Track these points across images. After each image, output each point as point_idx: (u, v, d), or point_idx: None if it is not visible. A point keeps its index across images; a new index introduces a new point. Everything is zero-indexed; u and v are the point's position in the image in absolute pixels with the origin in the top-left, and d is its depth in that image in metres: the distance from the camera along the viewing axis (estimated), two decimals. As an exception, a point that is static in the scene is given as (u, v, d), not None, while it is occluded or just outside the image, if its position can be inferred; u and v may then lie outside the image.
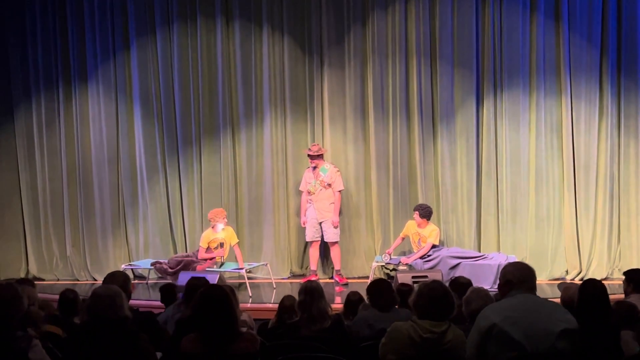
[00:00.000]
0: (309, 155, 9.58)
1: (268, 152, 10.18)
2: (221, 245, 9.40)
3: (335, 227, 9.59)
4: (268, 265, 9.76)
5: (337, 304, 7.74)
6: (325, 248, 9.88)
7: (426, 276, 7.49)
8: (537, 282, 3.96)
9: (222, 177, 10.30)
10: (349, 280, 9.73)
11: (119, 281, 4.85)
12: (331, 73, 10.09)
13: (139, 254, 10.43)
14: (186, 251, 10.11)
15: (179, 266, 9.21)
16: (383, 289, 5.41)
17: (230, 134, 10.29)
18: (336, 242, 9.66)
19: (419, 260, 9.13)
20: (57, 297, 5.60)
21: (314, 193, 9.59)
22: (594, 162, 9.62)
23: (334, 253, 9.69)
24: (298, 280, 9.68)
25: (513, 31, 9.66)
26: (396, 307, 5.51)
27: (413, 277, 7.79)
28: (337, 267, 9.71)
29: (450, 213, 9.94)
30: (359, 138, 10.10)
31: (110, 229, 10.55)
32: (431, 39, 9.88)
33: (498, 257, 9.14)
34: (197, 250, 9.53)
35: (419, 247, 9.32)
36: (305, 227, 9.76)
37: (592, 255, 9.67)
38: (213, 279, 7.87)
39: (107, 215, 10.53)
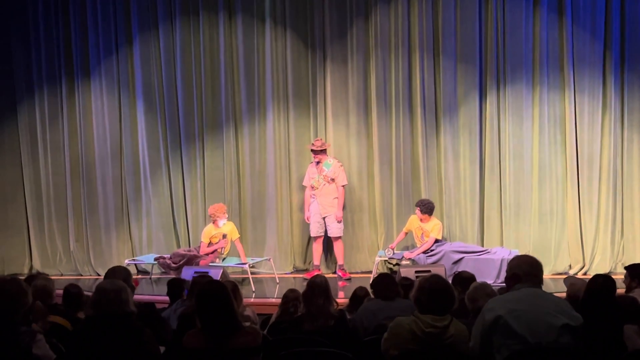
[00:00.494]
0: (312, 150, 9.57)
1: (271, 147, 10.18)
2: (223, 236, 9.40)
3: (339, 222, 9.59)
4: (271, 260, 9.76)
5: (340, 299, 7.75)
6: (328, 243, 9.88)
7: (429, 271, 7.49)
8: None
9: (225, 172, 10.31)
10: (352, 275, 9.74)
11: (120, 276, 4.86)
12: (334, 68, 10.08)
13: (142, 249, 10.44)
14: (189, 246, 10.12)
15: (182, 261, 9.22)
16: (387, 283, 5.42)
17: (233, 129, 10.29)
18: (339, 237, 9.66)
19: (422, 255, 9.13)
20: (60, 291, 5.62)
21: (317, 188, 9.58)
22: (597, 156, 9.61)
23: (337, 248, 9.69)
24: (301, 275, 9.72)
25: (516, 25, 9.64)
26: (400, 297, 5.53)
27: (416, 271, 7.79)
28: (340, 262, 9.72)
29: (453, 208, 9.93)
30: (361, 133, 10.10)
31: (114, 224, 10.57)
32: (434, 34, 9.87)
33: (501, 251, 9.15)
34: (199, 246, 9.55)
35: (422, 241, 9.32)
36: (309, 222, 9.76)
37: (595, 249, 9.67)
38: (216, 274, 7.93)
39: (110, 210, 10.54)
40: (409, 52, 9.89)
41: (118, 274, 4.95)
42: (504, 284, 5.74)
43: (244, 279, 9.36)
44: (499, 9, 9.68)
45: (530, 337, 3.63)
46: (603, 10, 9.50)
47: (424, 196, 9.77)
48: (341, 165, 9.69)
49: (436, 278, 4.14)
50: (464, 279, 5.85)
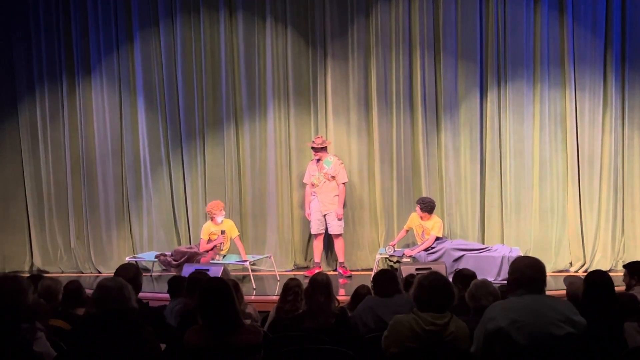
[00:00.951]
0: (312, 147, 9.57)
1: (271, 144, 10.18)
2: (222, 232, 9.40)
3: (340, 220, 9.59)
4: (272, 257, 9.77)
5: (341, 297, 7.75)
6: (329, 240, 9.88)
7: (430, 268, 7.48)
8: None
9: (226, 170, 10.31)
10: (353, 273, 9.75)
11: (130, 273, 4.88)
12: (334, 65, 10.08)
13: (143, 247, 10.45)
14: (190, 243, 10.13)
15: (183, 258, 9.22)
16: (388, 279, 5.41)
17: (233, 126, 10.29)
18: (340, 235, 9.66)
19: (423, 253, 9.13)
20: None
21: (317, 185, 9.58)
22: (598, 154, 9.61)
23: (338, 245, 9.69)
24: (302, 273, 9.71)
25: (517, 23, 9.63)
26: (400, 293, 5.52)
27: (417, 269, 7.77)
28: (341, 259, 9.72)
29: (454, 205, 9.93)
30: (362, 130, 10.10)
31: (114, 222, 10.57)
32: (435, 31, 9.86)
33: (502, 249, 9.15)
34: (197, 245, 9.55)
35: (423, 239, 9.32)
36: (309, 219, 9.76)
37: (596, 247, 9.67)
38: (217, 272, 7.92)
39: (111, 207, 10.55)
40: (409, 50, 9.89)
41: (129, 271, 4.97)
42: (505, 282, 5.74)
43: (244, 277, 9.37)
44: (500, 7, 9.68)
45: (533, 348, 3.65)
46: (604, 8, 9.49)
47: (424, 194, 9.77)
48: (341, 163, 9.70)
49: (435, 275, 4.14)
50: (465, 277, 5.85)
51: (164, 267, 9.68)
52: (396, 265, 9.35)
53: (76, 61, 10.48)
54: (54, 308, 5.13)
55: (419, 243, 9.39)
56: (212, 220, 9.45)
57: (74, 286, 5.48)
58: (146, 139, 10.38)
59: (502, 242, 9.69)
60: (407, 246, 9.65)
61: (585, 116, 9.61)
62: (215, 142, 10.34)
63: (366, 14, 9.99)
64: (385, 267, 9.81)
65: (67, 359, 4.02)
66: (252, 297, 8.47)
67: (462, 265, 8.58)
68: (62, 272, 10.44)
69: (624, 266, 6.08)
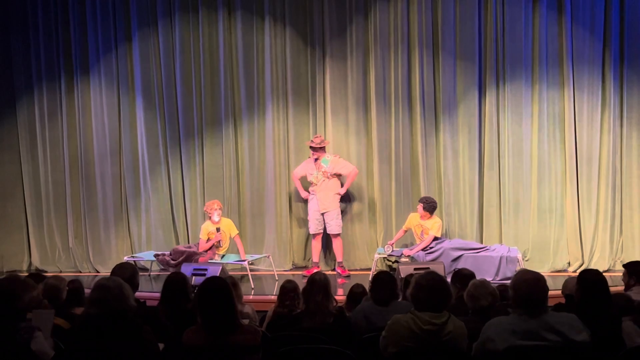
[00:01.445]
0: (311, 147, 9.57)
1: (270, 144, 10.18)
2: (217, 230, 9.39)
3: (340, 195, 9.58)
4: (270, 257, 9.77)
5: (339, 296, 7.76)
6: (327, 240, 9.89)
7: (428, 268, 7.48)
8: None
9: (224, 169, 10.31)
10: (351, 272, 9.74)
11: (127, 273, 4.87)
12: (333, 65, 10.08)
13: (142, 246, 10.45)
14: (188, 243, 10.12)
15: (182, 258, 9.22)
16: (385, 282, 5.36)
17: (232, 126, 10.29)
18: (338, 234, 9.66)
19: (421, 252, 9.13)
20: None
21: (316, 184, 9.58)
22: (596, 154, 9.62)
23: (336, 245, 9.69)
24: (300, 272, 9.72)
25: (515, 23, 9.64)
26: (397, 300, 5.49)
27: (415, 268, 7.77)
28: (339, 259, 9.72)
29: (452, 205, 9.94)
30: (361, 130, 10.10)
31: (113, 221, 10.57)
32: (433, 31, 9.87)
33: (500, 249, 9.15)
34: (196, 244, 9.55)
35: (422, 239, 9.32)
36: (307, 207, 9.77)
37: (594, 247, 9.68)
38: (215, 271, 7.93)
39: (109, 207, 10.55)
40: (408, 50, 9.89)
41: (126, 270, 4.96)
42: (503, 282, 5.74)
43: (242, 276, 9.37)
44: (499, 7, 9.68)
45: None
46: (602, 8, 9.50)
47: (423, 193, 9.77)
48: (339, 157, 9.68)
49: (432, 275, 4.13)
50: (464, 276, 5.83)
51: (162, 267, 9.68)
52: (395, 265, 9.36)
53: (75, 60, 10.48)
54: (57, 307, 5.12)
55: (417, 243, 9.38)
56: (209, 219, 9.45)
57: (75, 286, 5.48)
58: (144, 139, 10.38)
59: (501, 241, 9.69)
60: (406, 246, 9.64)
61: (584, 116, 9.62)
62: (214, 142, 10.34)
63: (365, 14, 9.99)
64: (384, 266, 9.83)
65: (65, 359, 4.02)
66: (251, 297, 8.48)
67: (460, 265, 8.58)
68: (61, 272, 10.42)
69: (624, 266, 6.08)
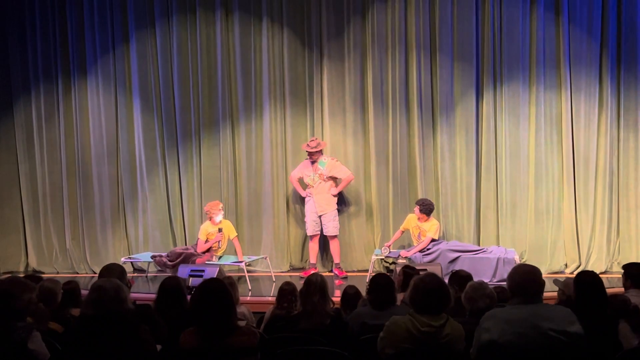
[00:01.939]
0: (307, 151, 9.56)
1: (267, 145, 10.18)
2: (219, 230, 9.38)
3: (334, 196, 9.58)
4: (267, 258, 9.77)
5: (337, 298, 7.73)
6: (324, 241, 9.89)
7: (425, 269, 7.48)
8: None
9: (222, 171, 10.30)
10: (349, 274, 9.74)
11: (115, 274, 4.85)
12: (331, 66, 10.08)
13: (139, 247, 10.43)
14: (185, 244, 10.12)
15: (179, 259, 9.21)
16: (382, 285, 5.32)
17: (229, 127, 10.28)
18: (335, 236, 9.66)
19: (419, 254, 9.14)
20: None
21: (312, 186, 9.58)
22: (593, 155, 9.63)
23: (334, 246, 9.69)
24: (297, 274, 9.71)
25: (513, 24, 9.65)
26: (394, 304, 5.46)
27: (413, 268, 7.77)
28: (336, 260, 9.72)
29: (449, 206, 9.94)
30: (358, 131, 10.10)
31: (110, 222, 10.56)
32: (431, 32, 9.87)
33: (497, 250, 9.16)
34: (197, 243, 9.54)
35: (419, 240, 9.32)
36: (304, 209, 9.77)
37: (591, 248, 9.69)
38: (213, 272, 7.92)
39: (106, 208, 10.54)
40: (405, 51, 9.90)
41: (113, 271, 4.94)
42: (500, 283, 5.73)
43: (240, 278, 9.35)
44: (496, 8, 9.69)
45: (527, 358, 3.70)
46: (599, 9, 9.51)
47: (420, 195, 9.78)
48: (337, 160, 9.68)
49: (431, 278, 4.13)
50: (461, 278, 5.84)
51: (159, 268, 9.66)
52: (392, 267, 9.36)
53: (72, 61, 10.47)
54: (51, 310, 5.12)
55: (414, 244, 9.38)
56: (210, 220, 9.45)
57: (71, 286, 5.47)
58: (142, 140, 10.37)
59: (498, 243, 9.70)
60: (403, 247, 9.65)
61: (581, 118, 9.63)
62: (211, 143, 10.33)
63: (362, 15, 9.99)
64: (381, 268, 9.83)
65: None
66: (248, 298, 8.47)
67: (457, 266, 8.59)
68: (58, 273, 10.42)
69: (623, 267, 6.08)
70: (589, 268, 9.23)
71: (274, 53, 10.14)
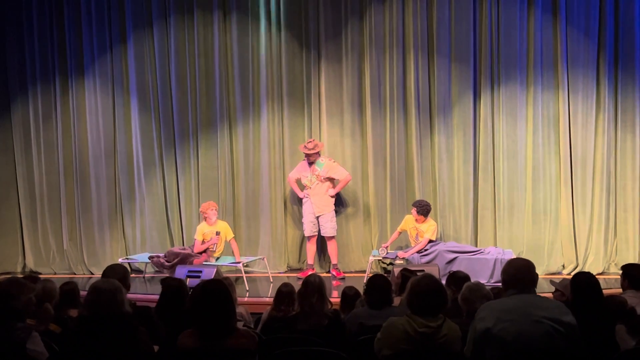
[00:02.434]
0: (304, 153, 9.56)
1: (265, 146, 10.18)
2: (217, 233, 9.37)
3: (332, 197, 9.58)
4: (265, 259, 9.76)
5: (334, 298, 7.73)
6: (322, 242, 9.88)
7: (423, 270, 7.49)
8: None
9: (219, 171, 10.30)
10: (346, 275, 9.74)
11: (118, 274, 4.85)
12: (328, 67, 10.08)
13: (136, 248, 10.42)
14: (183, 244, 10.11)
15: (176, 260, 9.20)
16: (379, 286, 5.33)
17: (227, 127, 10.28)
18: (333, 237, 9.66)
19: (416, 255, 9.14)
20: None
21: (310, 187, 9.58)
22: (590, 156, 9.64)
23: (331, 247, 9.69)
24: (295, 274, 9.71)
25: (510, 25, 9.65)
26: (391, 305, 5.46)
27: (411, 270, 7.78)
28: (334, 261, 9.72)
29: (447, 207, 9.94)
30: (356, 132, 10.10)
31: (107, 223, 10.55)
32: (428, 33, 9.88)
33: (495, 251, 9.17)
34: (191, 246, 9.54)
35: (417, 242, 9.33)
36: (302, 210, 9.77)
37: (588, 249, 9.70)
38: (210, 273, 7.92)
39: (103, 209, 10.52)
40: (403, 52, 9.90)
41: (117, 272, 4.94)
42: (498, 284, 5.74)
43: (237, 278, 9.35)
44: (494, 9, 9.70)
45: (521, 347, 3.69)
46: (597, 11, 9.53)
47: (418, 196, 9.78)
48: (334, 161, 9.69)
49: (428, 279, 4.13)
50: (459, 279, 5.84)
51: (157, 269, 9.66)
52: (389, 268, 9.36)
53: (69, 62, 10.45)
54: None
55: (412, 245, 9.39)
56: (205, 220, 9.45)
57: (70, 287, 5.46)
58: (139, 140, 10.36)
59: (495, 244, 9.71)
60: (400, 248, 9.66)
61: (578, 119, 9.64)
62: (209, 144, 10.33)
63: (360, 16, 10.00)
64: (379, 269, 9.84)
65: (59, 360, 4.02)
66: (245, 299, 8.46)
67: (455, 267, 8.60)
68: (55, 274, 10.42)
69: (622, 268, 6.08)
70: (586, 269, 9.25)
71: (271, 54, 10.14)
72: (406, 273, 6.25)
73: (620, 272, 6.03)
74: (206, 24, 10.22)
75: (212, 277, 7.61)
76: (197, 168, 10.38)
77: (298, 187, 9.79)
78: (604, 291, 4.99)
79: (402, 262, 9.16)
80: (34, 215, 10.70)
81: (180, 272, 8.36)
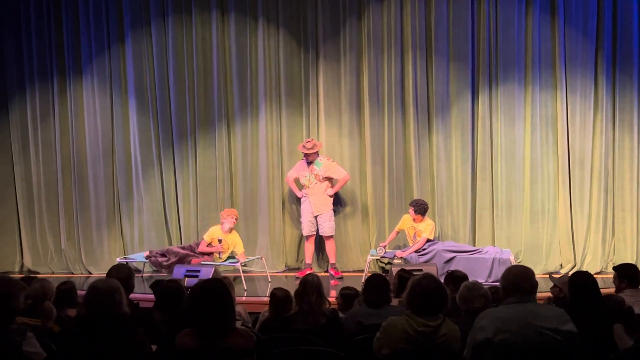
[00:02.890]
0: (303, 152, 9.56)
1: (263, 145, 10.17)
2: (219, 241, 9.34)
3: (330, 197, 9.58)
4: (263, 258, 9.75)
5: (332, 298, 7.74)
6: (320, 242, 9.89)
7: (421, 270, 7.49)
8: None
9: (217, 171, 10.30)
10: (344, 274, 9.74)
11: (123, 274, 4.86)
12: (326, 67, 10.08)
13: (134, 247, 10.41)
14: (181, 244, 10.07)
15: (174, 259, 9.19)
16: (377, 285, 5.33)
17: (225, 127, 10.27)
18: (331, 236, 9.66)
19: (414, 254, 9.14)
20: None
21: (308, 187, 9.58)
22: (588, 156, 9.65)
23: (329, 247, 9.69)
24: (293, 274, 9.71)
25: (509, 25, 9.66)
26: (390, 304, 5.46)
27: (409, 270, 7.78)
28: (332, 260, 9.72)
29: (445, 207, 9.95)
30: (354, 132, 10.10)
31: (105, 222, 10.54)
32: (427, 33, 9.88)
33: (493, 251, 9.17)
34: (197, 242, 9.52)
35: (415, 241, 9.33)
36: (300, 209, 9.77)
37: (586, 249, 9.71)
38: (208, 273, 7.91)
39: (101, 208, 10.51)
40: (401, 51, 9.90)
41: (121, 272, 4.94)
42: (495, 284, 5.74)
43: (235, 278, 9.35)
44: (492, 9, 9.70)
45: (518, 357, 3.72)
46: (595, 11, 9.53)
47: (416, 195, 9.79)
48: (333, 161, 9.69)
49: (428, 280, 4.12)
50: (457, 278, 5.84)
51: (154, 268, 9.66)
52: (387, 267, 9.36)
53: (67, 61, 10.44)
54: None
55: (410, 245, 9.39)
56: (221, 225, 9.41)
57: (67, 287, 5.46)
58: (137, 140, 10.35)
59: (493, 243, 9.71)
60: (398, 247, 9.66)
61: (576, 118, 9.65)
62: (207, 144, 10.32)
63: (358, 16, 10.00)
64: (377, 268, 9.84)
65: (57, 360, 4.01)
66: (244, 298, 8.46)
67: (453, 266, 8.59)
68: (53, 273, 10.40)
69: (614, 268, 6.09)
70: (584, 268, 9.24)
71: (269, 53, 10.13)
72: (403, 274, 6.25)
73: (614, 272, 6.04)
74: (204, 23, 10.21)
75: (210, 276, 7.60)
76: (195, 167, 10.36)
77: (296, 187, 9.80)
78: (602, 290, 4.99)
79: (400, 261, 9.16)
80: (31, 214, 10.68)
81: (178, 271, 8.36)
